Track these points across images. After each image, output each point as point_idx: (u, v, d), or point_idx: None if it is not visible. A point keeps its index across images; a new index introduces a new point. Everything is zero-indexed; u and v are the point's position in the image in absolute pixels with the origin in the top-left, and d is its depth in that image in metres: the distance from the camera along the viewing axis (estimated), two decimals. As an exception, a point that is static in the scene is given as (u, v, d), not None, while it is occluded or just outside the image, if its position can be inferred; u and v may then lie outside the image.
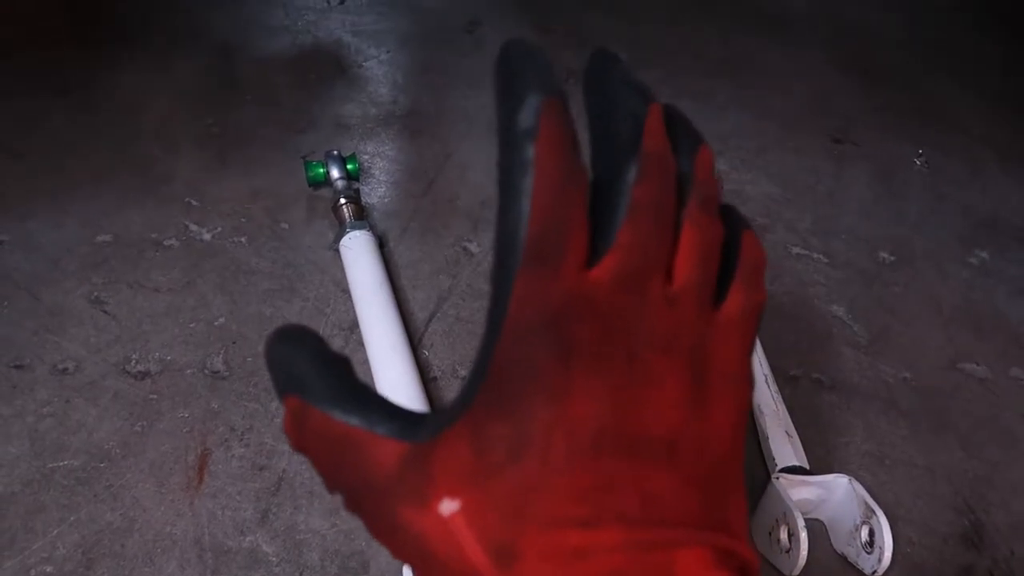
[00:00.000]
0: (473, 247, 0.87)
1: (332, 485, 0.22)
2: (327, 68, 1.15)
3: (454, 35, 1.26)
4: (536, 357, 0.19)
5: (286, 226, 0.87)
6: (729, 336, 0.22)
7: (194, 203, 0.89)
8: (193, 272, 0.81)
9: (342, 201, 0.85)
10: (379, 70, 1.16)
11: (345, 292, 0.79)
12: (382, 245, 0.85)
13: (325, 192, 0.90)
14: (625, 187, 0.21)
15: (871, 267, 0.92)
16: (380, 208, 0.91)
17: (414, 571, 0.21)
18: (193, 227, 0.86)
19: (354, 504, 0.22)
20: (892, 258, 0.93)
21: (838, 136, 1.13)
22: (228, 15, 1.24)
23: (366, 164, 0.97)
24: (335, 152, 0.90)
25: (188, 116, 1.02)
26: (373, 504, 0.21)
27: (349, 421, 0.22)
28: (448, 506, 0.20)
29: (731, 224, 0.23)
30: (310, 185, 0.90)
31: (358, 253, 0.79)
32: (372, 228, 0.85)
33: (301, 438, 0.22)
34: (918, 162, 1.10)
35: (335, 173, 0.88)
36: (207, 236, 0.85)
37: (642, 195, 0.21)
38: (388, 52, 1.20)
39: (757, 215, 0.98)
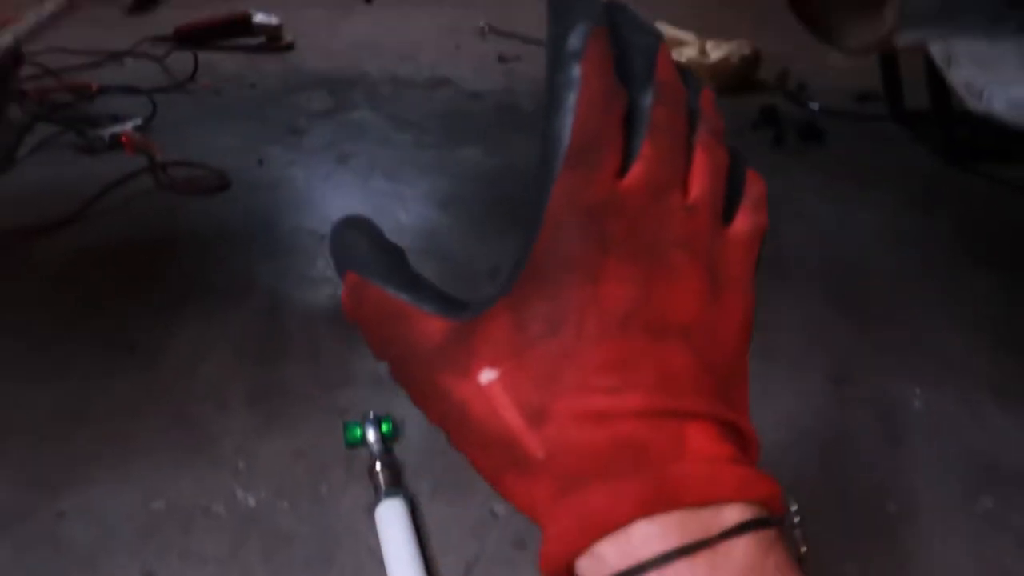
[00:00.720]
0: (499, 509, 0.93)
1: (380, 354, 0.26)
2: (364, 319, 1.26)
3: (478, 282, 1.38)
4: (573, 246, 0.23)
5: (326, 488, 0.94)
6: (737, 248, 0.25)
7: (241, 466, 0.96)
8: (238, 540, 0.87)
9: (377, 467, 0.92)
10: (411, 319, 1.27)
11: (379, 561, 0.84)
12: (414, 508, 0.91)
13: (362, 451, 0.98)
14: (644, 110, 0.24)
15: (879, 521, 0.96)
16: (412, 465, 0.98)
17: (450, 436, 0.25)
18: (240, 492, 0.93)
19: (399, 373, 0.26)
20: (899, 510, 0.97)
21: (838, 377, 1.20)
22: (274, 269, 1.37)
23: (400, 420, 1.05)
24: (371, 415, 0.98)
25: (238, 373, 1.11)
26: (417, 372, 0.25)
27: (400, 297, 0.25)
28: (487, 375, 0.23)
29: (736, 160, 0.27)
30: (347, 447, 0.97)
31: (391, 525, 0.85)
32: (405, 488, 0.92)
33: (356, 309, 0.26)
34: (917, 403, 1.16)
35: (371, 436, 0.96)
36: (252, 502, 0.91)
37: (659, 116, 0.24)
38: (419, 301, 1.32)
39: (765, 462, 1.03)
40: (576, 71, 0.23)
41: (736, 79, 2.25)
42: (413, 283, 0.26)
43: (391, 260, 0.27)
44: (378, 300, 0.26)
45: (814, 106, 2.10)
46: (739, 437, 0.25)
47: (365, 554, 0.86)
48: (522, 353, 0.23)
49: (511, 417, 0.23)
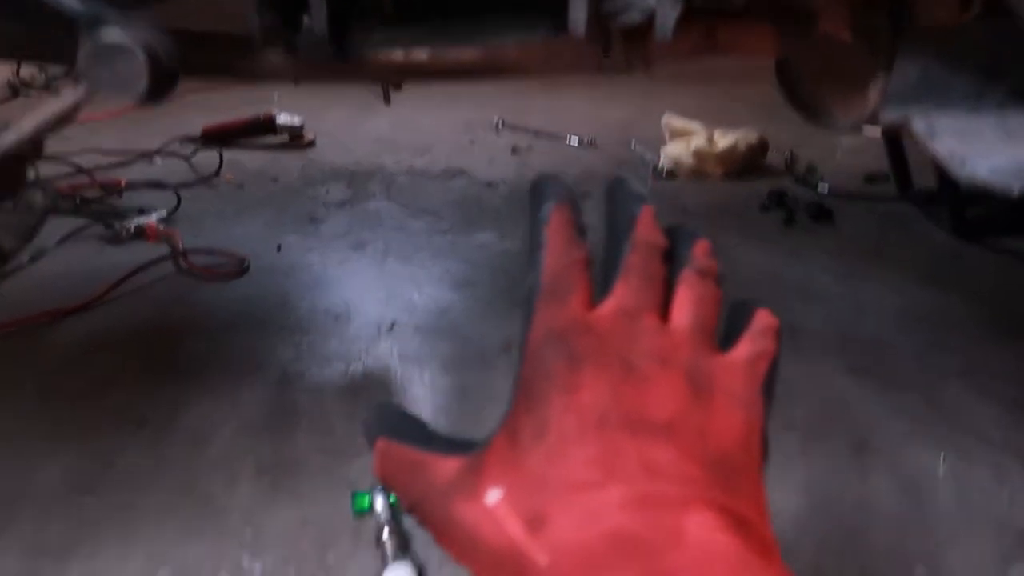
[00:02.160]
0: (509, 577, 0.90)
1: (407, 503, 0.28)
2: (376, 393, 1.26)
3: (491, 356, 1.39)
4: (550, 364, 0.26)
5: (332, 557, 0.92)
6: (735, 370, 0.27)
7: (248, 534, 0.95)
8: (242, 611, 0.84)
9: (385, 535, 0.90)
10: (422, 392, 1.27)
11: (385, 631, 0.81)
12: (422, 576, 0.88)
13: (370, 521, 0.96)
14: (621, 259, 0.28)
15: (908, 588, 0.91)
16: (422, 537, 0.96)
17: (472, 571, 0.25)
18: (246, 559, 0.91)
19: (423, 514, 0.28)
20: (928, 573, 0.93)
21: (859, 444, 1.17)
22: (290, 345, 1.39)
23: (409, 490, 1.03)
24: (380, 485, 0.97)
25: (247, 447, 1.11)
26: (436, 507, 0.27)
27: (420, 449, 0.29)
28: (493, 495, 0.25)
29: (747, 304, 0.30)
30: (355, 516, 0.96)
31: (399, 590, 0.82)
32: (413, 556, 0.89)
33: (385, 466, 0.29)
34: (941, 470, 1.13)
35: (379, 505, 0.95)
36: (258, 570, 0.89)
37: (632, 261, 0.28)
38: (431, 376, 1.32)
39: (786, 532, 1.00)
40: (544, 235, 0.29)
41: (744, 165, 2.30)
42: (431, 438, 0.30)
43: (412, 425, 0.31)
44: (402, 455, 0.29)
45: (823, 188, 2.13)
46: (746, 527, 0.24)
47: (371, 623, 0.83)
48: (519, 466, 0.25)
49: (515, 530, 0.24)
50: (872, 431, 1.21)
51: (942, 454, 1.16)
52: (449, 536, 0.27)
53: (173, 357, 1.35)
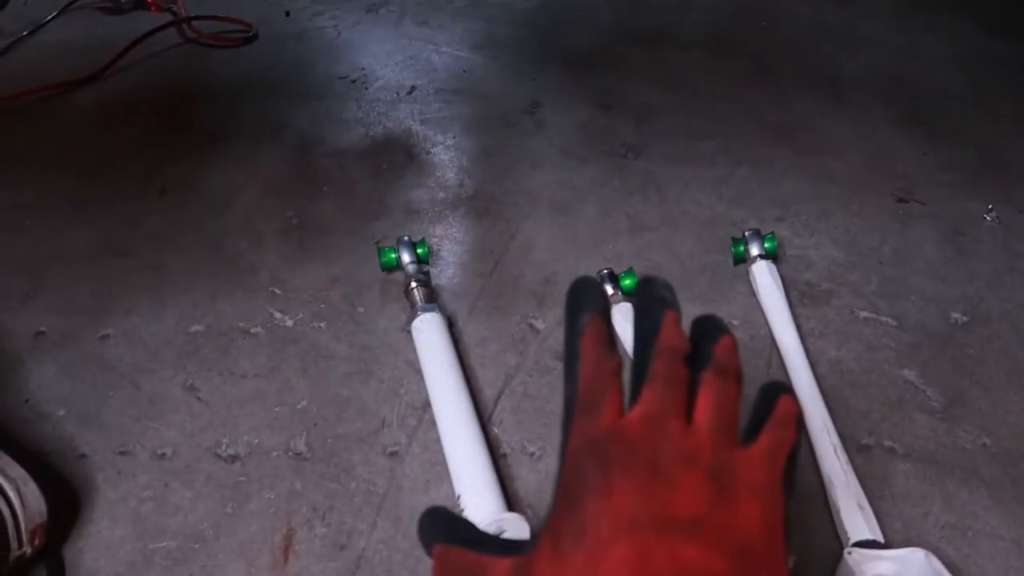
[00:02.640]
0: (539, 324, 0.90)
1: None
2: (398, 156, 1.22)
3: (516, 117, 1.32)
4: (586, 470, 0.28)
5: (362, 310, 0.92)
6: (755, 464, 0.29)
7: (277, 292, 0.95)
8: (277, 358, 0.86)
9: (413, 284, 0.90)
10: (446, 155, 1.22)
11: (418, 372, 0.82)
12: (451, 325, 0.89)
13: (398, 276, 0.95)
14: (647, 366, 0.30)
15: (943, 329, 0.90)
16: (449, 289, 0.96)
17: None
18: (277, 315, 0.92)
19: None
20: (965, 319, 0.92)
21: (902, 196, 1.12)
22: (307, 111, 1.33)
23: (435, 247, 1.02)
24: (406, 238, 0.95)
25: (271, 209, 1.09)
26: None
27: (475, 551, 0.31)
28: None
29: (770, 391, 0.32)
30: (383, 270, 0.95)
31: (429, 334, 0.83)
32: (442, 308, 0.89)
33: (443, 572, 0.31)
34: (988, 218, 1.08)
35: (406, 258, 0.94)
36: (290, 323, 0.91)
37: (657, 368, 0.30)
38: (454, 138, 1.26)
39: (822, 280, 0.98)
40: (579, 346, 0.31)
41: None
42: (484, 540, 0.32)
43: (463, 527, 0.33)
44: (460, 558, 0.31)
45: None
46: None
47: (403, 366, 0.85)
48: (561, 567, 0.26)
49: None
50: (917, 182, 1.15)
51: (989, 205, 1.11)
52: None
53: (186, 126, 1.30)
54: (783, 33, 1.63)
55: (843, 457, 0.71)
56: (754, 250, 0.95)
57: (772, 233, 0.97)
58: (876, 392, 0.83)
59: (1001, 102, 1.37)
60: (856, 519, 0.66)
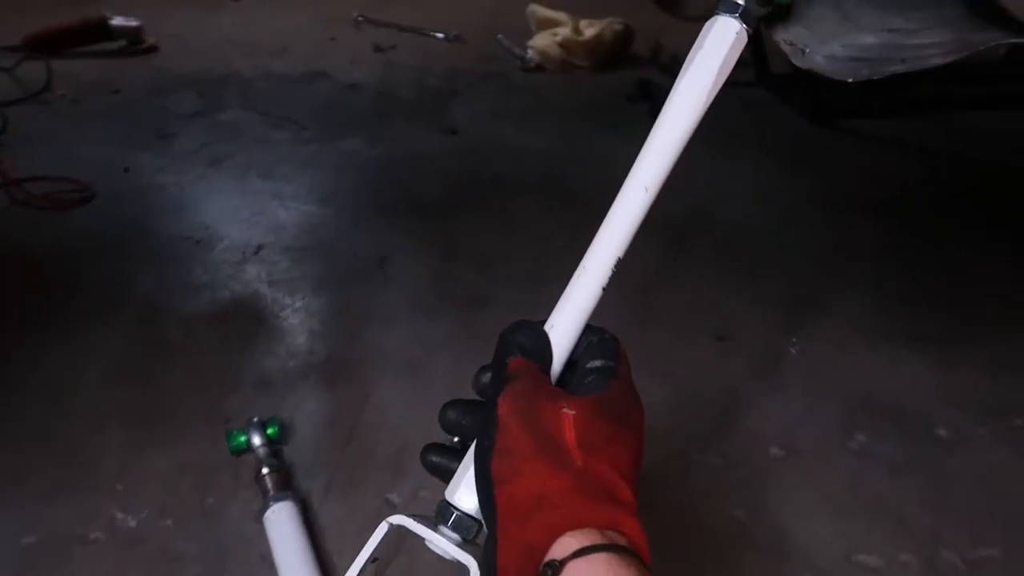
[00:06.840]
0: (394, 497, 0.92)
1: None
2: (247, 322, 1.22)
3: (366, 272, 1.36)
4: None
5: (212, 500, 0.90)
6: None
7: (119, 487, 0.92)
8: (120, 567, 0.82)
9: (264, 471, 0.89)
10: (295, 319, 1.24)
11: (272, 567, 0.81)
12: (306, 509, 0.89)
13: (249, 457, 0.95)
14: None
15: (764, 464, 1.00)
16: (303, 467, 0.96)
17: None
18: (119, 515, 0.88)
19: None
20: (782, 453, 1.02)
21: (720, 334, 1.24)
22: (150, 277, 1.31)
23: (287, 422, 1.02)
24: (255, 419, 0.95)
25: (115, 390, 1.06)
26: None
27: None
28: None
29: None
30: (232, 454, 0.94)
31: (280, 525, 0.83)
32: (296, 490, 0.89)
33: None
34: (793, 351, 1.21)
35: (256, 441, 0.93)
36: (132, 523, 0.87)
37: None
38: (304, 299, 1.28)
39: (657, 421, 1.05)
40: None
41: (610, 54, 2.29)
42: None
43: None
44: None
45: (686, 76, 2.15)
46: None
47: (257, 561, 0.83)
48: None
49: None
50: (733, 319, 1.28)
51: (793, 338, 1.24)
52: None
53: (19, 300, 1.25)
54: (611, 177, 1.78)
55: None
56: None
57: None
58: (708, 534, 0.90)
59: (798, 232, 1.55)
60: None
